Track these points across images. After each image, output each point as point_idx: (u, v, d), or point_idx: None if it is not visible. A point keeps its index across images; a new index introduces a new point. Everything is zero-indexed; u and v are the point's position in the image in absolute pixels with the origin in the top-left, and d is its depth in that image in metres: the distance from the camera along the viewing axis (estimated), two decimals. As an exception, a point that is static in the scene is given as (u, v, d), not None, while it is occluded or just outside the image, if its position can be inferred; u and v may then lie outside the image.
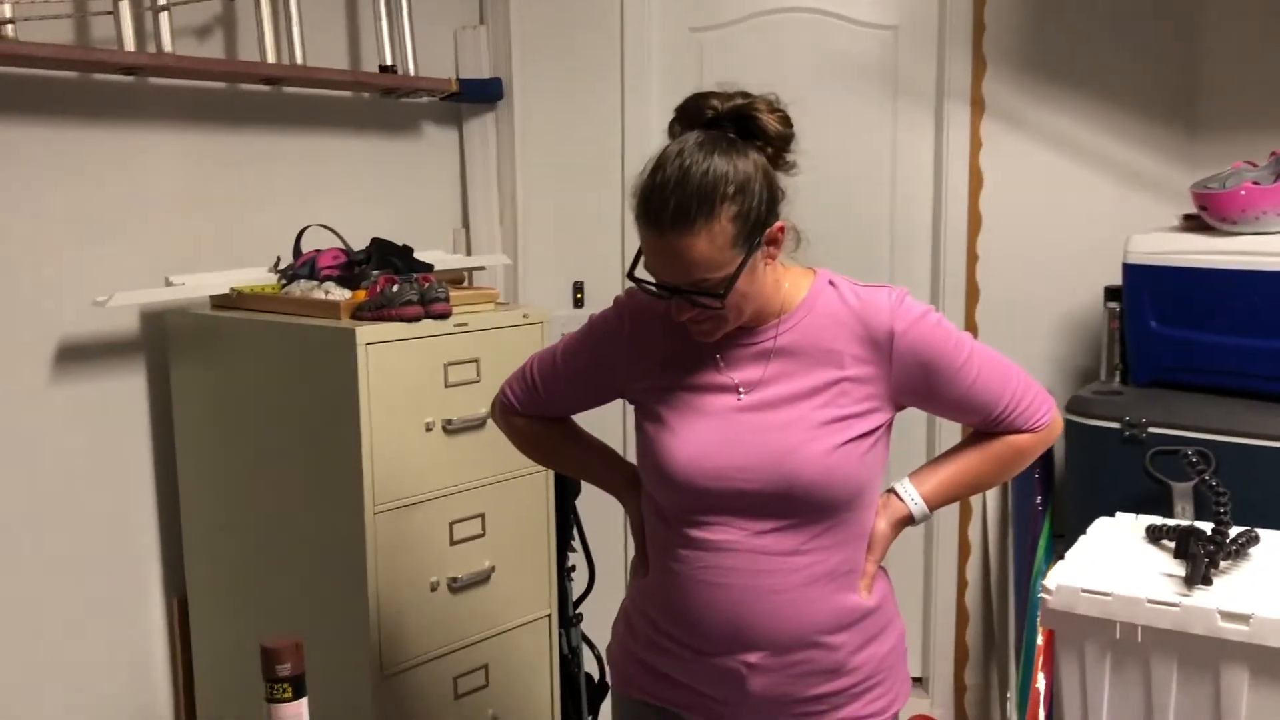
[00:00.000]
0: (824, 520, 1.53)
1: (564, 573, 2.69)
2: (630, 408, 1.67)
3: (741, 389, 1.56)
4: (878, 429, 1.56)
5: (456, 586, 2.39)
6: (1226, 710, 1.63)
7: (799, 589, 1.53)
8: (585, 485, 2.59)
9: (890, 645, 1.65)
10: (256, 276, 2.60)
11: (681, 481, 1.54)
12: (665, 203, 1.41)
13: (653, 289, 1.50)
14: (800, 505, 1.52)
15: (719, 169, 1.42)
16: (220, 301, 2.51)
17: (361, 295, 2.33)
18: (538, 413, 1.76)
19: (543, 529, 2.59)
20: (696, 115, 1.49)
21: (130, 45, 2.35)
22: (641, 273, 1.51)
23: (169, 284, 2.52)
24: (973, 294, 3.18)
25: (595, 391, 1.71)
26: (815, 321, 1.56)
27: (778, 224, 1.49)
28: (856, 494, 1.55)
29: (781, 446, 1.51)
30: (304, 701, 1.32)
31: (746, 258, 1.45)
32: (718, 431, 1.54)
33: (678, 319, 1.51)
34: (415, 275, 2.40)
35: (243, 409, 2.42)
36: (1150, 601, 1.66)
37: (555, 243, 3.25)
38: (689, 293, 1.46)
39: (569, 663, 2.72)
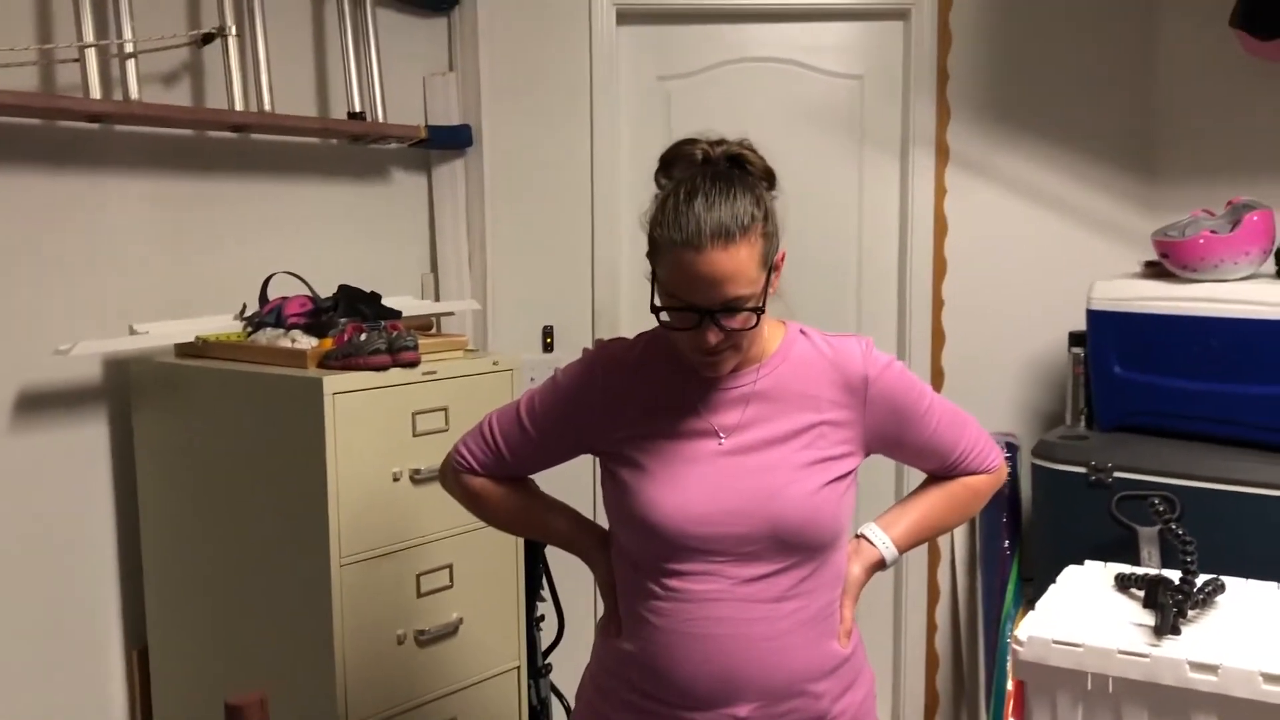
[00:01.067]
0: (808, 564, 1.55)
1: (533, 623, 2.66)
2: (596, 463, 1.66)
3: (721, 434, 1.56)
4: (851, 473, 1.60)
5: (424, 639, 2.36)
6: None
7: (787, 635, 1.54)
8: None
9: (864, 693, 1.66)
10: (222, 324, 2.57)
11: (667, 528, 1.53)
12: (704, 223, 1.44)
13: (671, 323, 1.50)
14: (787, 547, 1.52)
15: (743, 193, 1.47)
16: (185, 350, 2.49)
17: (329, 344, 2.32)
18: (500, 474, 1.72)
19: (511, 579, 2.57)
20: (688, 159, 1.53)
21: (96, 93, 2.34)
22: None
23: (133, 332, 2.49)
24: (939, 339, 3.21)
25: (564, 448, 1.69)
26: (791, 368, 1.59)
27: (780, 251, 1.53)
28: (838, 535, 1.58)
29: (767, 489, 1.53)
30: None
31: (769, 277, 1.50)
32: (702, 477, 1.54)
33: (701, 348, 1.50)
34: (383, 323, 2.39)
35: (207, 459, 2.39)
36: (1121, 653, 1.66)
37: (524, 288, 3.24)
38: (723, 312, 1.46)
39: (538, 715, 2.69)
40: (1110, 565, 2.02)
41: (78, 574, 2.51)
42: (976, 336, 3.20)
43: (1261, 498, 2.42)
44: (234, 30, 2.57)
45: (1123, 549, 2.43)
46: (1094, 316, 2.75)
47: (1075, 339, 2.91)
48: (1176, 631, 1.69)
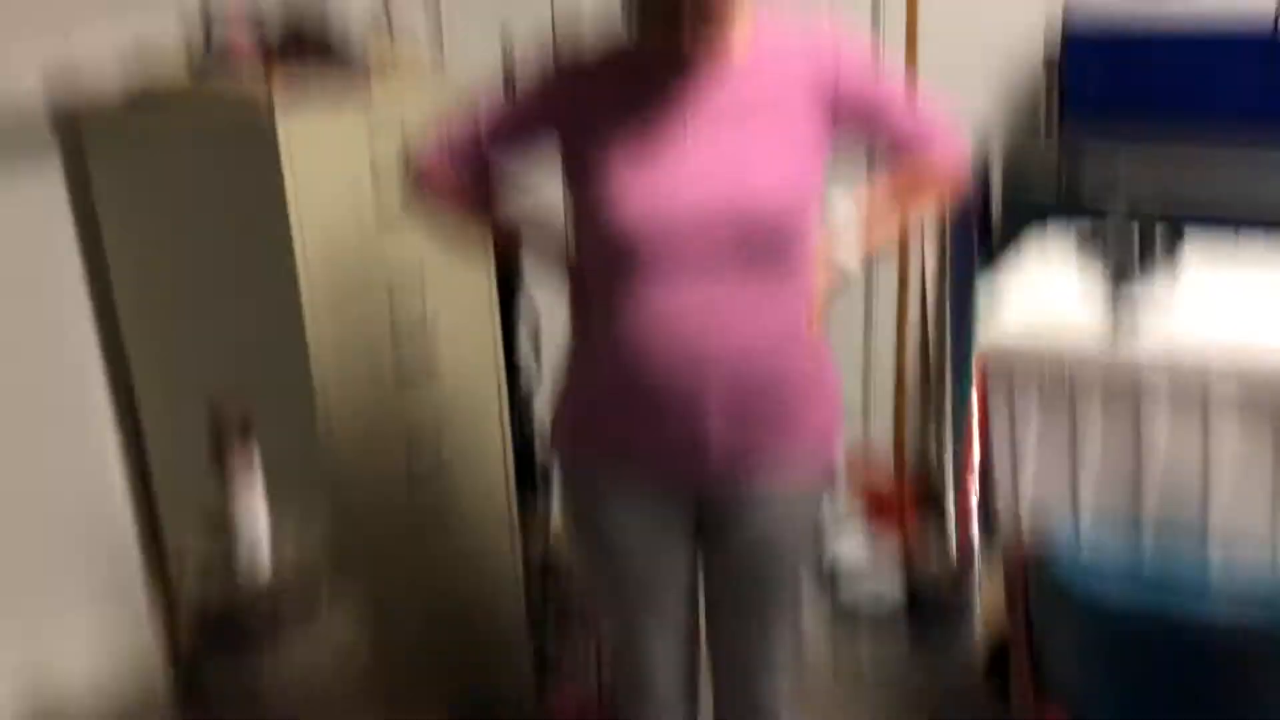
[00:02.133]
0: (775, 271, 1.57)
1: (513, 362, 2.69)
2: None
3: (689, 127, 1.56)
4: (820, 162, 1.62)
5: (404, 379, 2.38)
6: (1146, 441, 1.72)
7: (757, 339, 1.58)
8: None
9: (831, 410, 1.73)
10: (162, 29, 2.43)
11: (636, 227, 1.54)
12: None
13: None
14: (756, 239, 1.54)
15: None
16: (135, 104, 2.36)
17: (279, 82, 2.24)
18: (463, 179, 1.74)
19: (487, 325, 2.57)
20: None
21: None
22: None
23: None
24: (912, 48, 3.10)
25: (525, 147, 1.69)
26: (759, 59, 1.59)
27: None
28: (806, 230, 1.60)
29: (734, 177, 1.54)
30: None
31: None
32: (669, 172, 1.55)
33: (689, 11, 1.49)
34: (334, 55, 2.30)
35: (169, 214, 2.34)
36: (1076, 337, 1.71)
37: (481, 5, 3.11)
38: None
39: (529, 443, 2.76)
40: (1074, 221, 2.02)
41: (56, 340, 2.50)
42: (951, 54, 3.08)
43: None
44: None
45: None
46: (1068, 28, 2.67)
47: (1049, 54, 2.82)
48: (1132, 311, 1.73)
